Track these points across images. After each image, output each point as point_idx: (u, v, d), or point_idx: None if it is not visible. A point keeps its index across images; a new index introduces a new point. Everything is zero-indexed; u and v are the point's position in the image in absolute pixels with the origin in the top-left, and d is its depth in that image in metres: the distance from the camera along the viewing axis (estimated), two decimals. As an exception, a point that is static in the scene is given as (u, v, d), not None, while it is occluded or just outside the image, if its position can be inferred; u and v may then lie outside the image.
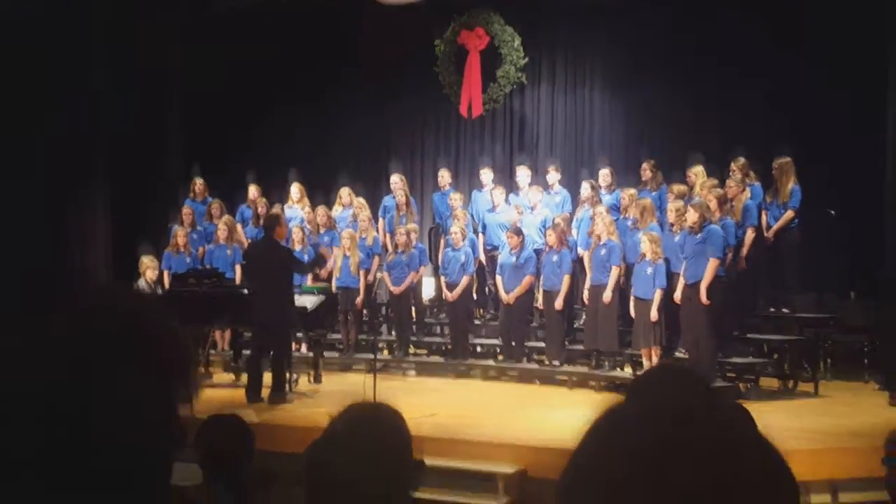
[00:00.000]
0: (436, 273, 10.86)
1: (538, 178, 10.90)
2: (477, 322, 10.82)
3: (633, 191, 9.47)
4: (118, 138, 11.47)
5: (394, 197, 11.09)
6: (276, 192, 11.73)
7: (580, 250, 9.56)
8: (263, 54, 12.82)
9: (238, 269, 10.36)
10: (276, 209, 11.10)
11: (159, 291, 9.92)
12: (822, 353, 9.38)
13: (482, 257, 10.56)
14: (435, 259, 10.92)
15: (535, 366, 9.74)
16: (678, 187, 9.14)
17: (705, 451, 0.77)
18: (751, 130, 10.27)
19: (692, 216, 8.06)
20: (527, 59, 11.92)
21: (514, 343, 9.76)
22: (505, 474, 6.03)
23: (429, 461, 6.21)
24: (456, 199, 10.68)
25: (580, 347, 9.54)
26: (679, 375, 1.74)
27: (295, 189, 11.47)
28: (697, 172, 9.29)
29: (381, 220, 11.19)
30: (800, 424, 6.88)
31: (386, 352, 10.87)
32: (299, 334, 9.95)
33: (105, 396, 0.90)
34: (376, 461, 1.72)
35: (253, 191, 11.49)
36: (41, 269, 10.49)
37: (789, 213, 8.75)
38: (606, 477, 0.78)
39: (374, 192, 12.35)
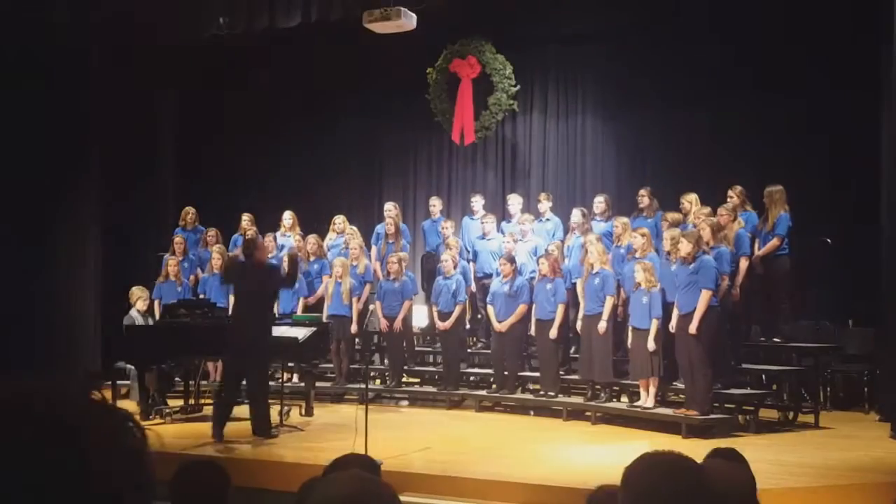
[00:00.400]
0: (428, 302, 10.76)
1: (530, 205, 10.86)
2: (469, 351, 10.72)
3: (625, 219, 9.41)
4: (110, 165, 11.43)
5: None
6: (268, 220, 11.64)
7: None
8: (257, 82, 12.84)
9: (232, 298, 10.24)
10: (268, 238, 11.05)
11: (150, 322, 9.80)
12: (822, 382, 9.28)
13: (473, 286, 10.48)
14: (427, 288, 10.83)
15: (529, 396, 9.62)
16: (672, 215, 9.11)
17: None
18: (744, 157, 10.29)
19: (685, 247, 7.99)
20: (518, 87, 11.91)
21: (507, 373, 9.65)
22: (500, 513, 5.89)
23: (422, 499, 6.07)
24: (447, 226, 10.62)
25: (576, 377, 9.42)
26: (668, 464, 1.69)
27: (287, 217, 11.41)
28: (691, 200, 9.25)
29: (373, 247, 11.12)
30: (800, 459, 6.77)
31: (378, 381, 10.75)
32: (290, 364, 9.83)
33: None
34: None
35: (246, 219, 11.41)
36: (23, 299, 10.43)
37: (774, 241, 8.69)
38: None
39: (366, 219, 12.30)
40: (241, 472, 5.93)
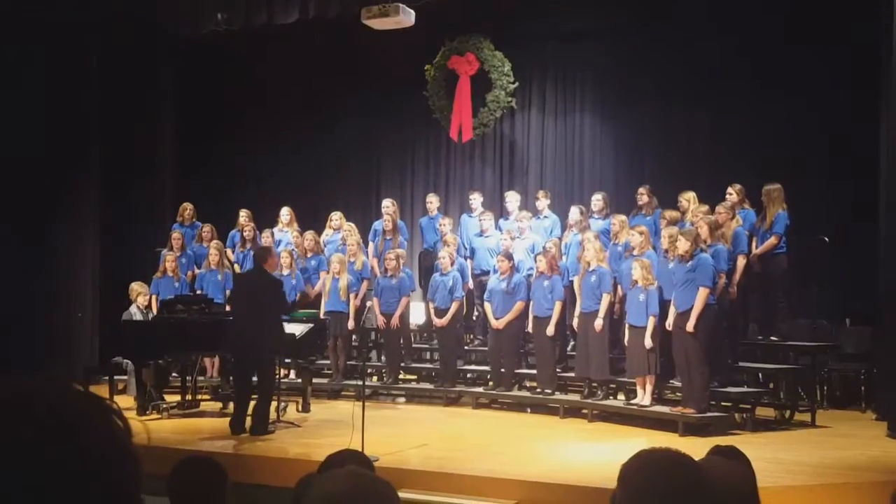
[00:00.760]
0: (425, 298, 10.76)
1: (528, 202, 10.86)
2: (466, 348, 10.72)
3: (623, 217, 9.41)
4: (108, 161, 11.43)
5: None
6: (266, 217, 11.64)
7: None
8: (255, 78, 12.84)
9: (229, 294, 10.26)
10: (266, 234, 11.06)
11: (150, 317, 9.80)
12: (819, 381, 9.29)
13: (470, 283, 10.48)
14: (424, 285, 10.83)
15: (526, 393, 9.62)
16: (670, 213, 9.10)
17: None
18: (743, 156, 10.29)
19: (683, 245, 7.99)
20: (517, 84, 11.90)
21: (504, 370, 9.65)
22: (497, 510, 5.89)
23: (418, 496, 6.07)
24: (446, 223, 10.62)
25: (573, 375, 9.42)
26: (665, 461, 1.68)
27: (285, 212, 11.40)
28: (689, 198, 9.24)
29: (370, 244, 11.11)
30: (797, 458, 6.77)
31: (375, 378, 10.75)
32: (287, 361, 9.83)
33: None
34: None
35: (243, 215, 11.40)
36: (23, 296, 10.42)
37: (772, 240, 8.69)
38: None
39: (363, 216, 12.30)
40: (239, 467, 5.94)
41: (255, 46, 12.15)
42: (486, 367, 10.14)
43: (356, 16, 9.77)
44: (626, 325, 8.55)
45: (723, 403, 8.32)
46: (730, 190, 9.01)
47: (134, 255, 11.65)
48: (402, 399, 10.42)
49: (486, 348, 10.20)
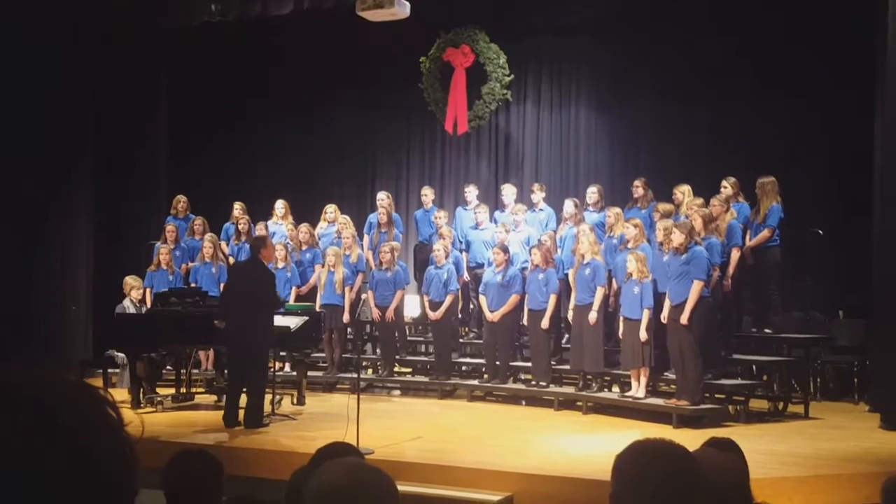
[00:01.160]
0: (420, 291, 10.76)
1: (523, 195, 10.85)
2: (461, 341, 10.72)
3: (618, 210, 9.42)
4: (102, 154, 11.39)
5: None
6: (261, 209, 11.62)
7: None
8: (250, 70, 12.80)
9: (223, 287, 10.24)
10: (260, 227, 11.03)
11: (143, 311, 9.79)
12: (812, 373, 9.32)
13: (466, 275, 10.48)
14: (419, 277, 10.83)
15: (521, 386, 9.63)
16: (664, 206, 9.11)
17: None
18: (738, 149, 10.30)
19: (678, 237, 8.00)
20: (512, 77, 11.88)
21: (498, 363, 9.65)
22: (492, 503, 5.90)
23: (414, 489, 6.07)
24: (441, 216, 10.61)
25: (567, 367, 9.44)
26: (660, 451, 1.69)
27: (279, 205, 11.38)
28: (684, 191, 9.24)
29: (366, 237, 11.10)
30: (790, 449, 6.80)
31: (370, 371, 10.75)
32: (282, 353, 9.83)
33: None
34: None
35: (238, 208, 11.38)
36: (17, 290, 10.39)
37: (765, 233, 8.71)
38: None
39: (358, 209, 12.28)
40: (233, 460, 5.94)
41: (250, 38, 12.12)
42: (481, 360, 10.15)
43: (351, 7, 9.74)
44: (621, 318, 8.56)
45: (716, 395, 8.34)
46: (724, 183, 9.03)
47: (128, 248, 11.63)
48: (397, 392, 10.43)
49: (480, 341, 10.21)
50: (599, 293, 8.79)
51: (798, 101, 9.97)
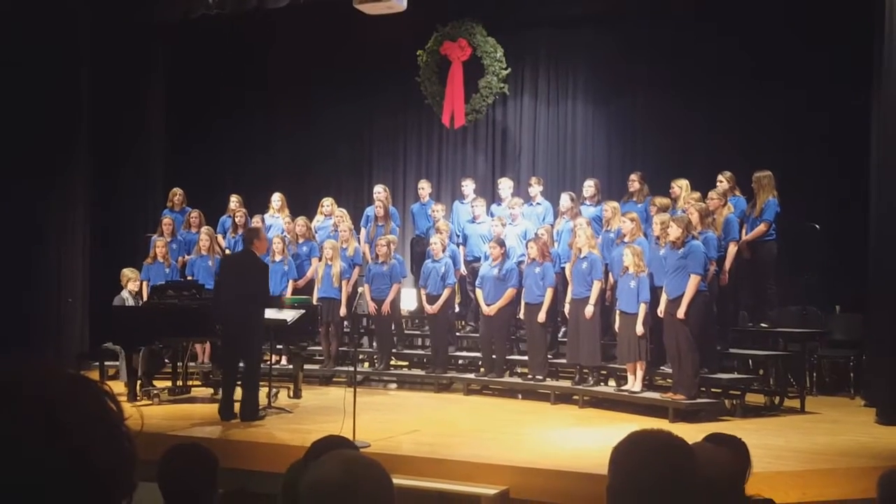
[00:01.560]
0: (416, 285, 10.76)
1: (520, 189, 10.85)
2: (458, 334, 10.73)
3: (615, 203, 9.41)
4: (98, 146, 11.35)
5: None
6: (257, 202, 11.61)
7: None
8: (246, 63, 12.77)
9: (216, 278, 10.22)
10: (256, 219, 11.01)
11: (140, 303, 9.78)
12: (809, 368, 9.33)
13: (463, 269, 10.48)
14: (416, 271, 10.83)
15: (517, 379, 9.64)
16: (661, 200, 9.10)
17: None
18: (736, 143, 10.30)
19: (675, 231, 7.99)
20: (509, 70, 11.86)
21: (495, 356, 9.66)
22: (487, 496, 5.90)
23: (410, 482, 6.07)
24: (438, 210, 10.61)
25: (564, 361, 9.44)
26: (657, 442, 1.69)
27: (276, 198, 11.37)
28: (682, 185, 9.24)
29: (363, 230, 11.09)
30: (786, 443, 6.81)
31: (367, 364, 10.76)
32: (279, 346, 9.82)
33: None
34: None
35: (234, 201, 11.36)
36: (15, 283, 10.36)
37: (761, 227, 8.71)
38: None
39: (355, 202, 12.27)
40: (229, 453, 5.94)
41: (247, 31, 12.09)
42: (478, 354, 10.15)
43: (348, 0, 9.71)
44: (617, 312, 8.57)
45: (713, 390, 8.35)
46: (720, 177, 9.02)
47: (125, 241, 11.61)
48: (394, 385, 10.43)
49: (477, 335, 10.21)
50: (596, 287, 8.79)
51: (796, 95, 9.98)
